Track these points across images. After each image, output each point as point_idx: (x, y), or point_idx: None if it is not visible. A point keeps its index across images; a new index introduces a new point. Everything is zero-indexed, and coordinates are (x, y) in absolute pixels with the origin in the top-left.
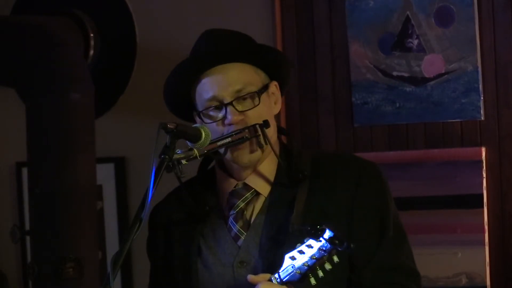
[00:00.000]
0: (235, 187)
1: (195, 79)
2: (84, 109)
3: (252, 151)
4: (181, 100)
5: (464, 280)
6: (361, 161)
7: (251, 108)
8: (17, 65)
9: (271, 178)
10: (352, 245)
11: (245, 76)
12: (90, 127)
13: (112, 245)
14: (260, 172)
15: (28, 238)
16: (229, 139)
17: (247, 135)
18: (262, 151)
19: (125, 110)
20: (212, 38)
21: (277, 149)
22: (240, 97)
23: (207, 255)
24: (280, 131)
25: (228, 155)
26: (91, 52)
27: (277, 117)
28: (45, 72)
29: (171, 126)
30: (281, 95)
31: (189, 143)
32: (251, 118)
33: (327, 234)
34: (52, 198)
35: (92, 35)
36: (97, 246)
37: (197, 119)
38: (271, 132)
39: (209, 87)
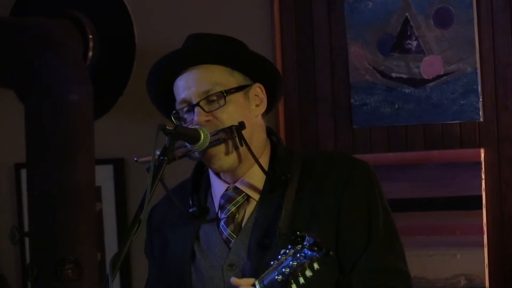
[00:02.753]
0: (226, 190)
1: (172, 81)
2: (83, 110)
3: (227, 153)
4: (164, 99)
5: (463, 282)
6: (351, 160)
7: (218, 109)
8: (16, 66)
9: (262, 181)
10: (331, 252)
11: (215, 77)
12: (89, 128)
13: (111, 246)
14: (251, 175)
15: (27, 239)
16: None
17: (223, 137)
18: (238, 154)
19: (124, 112)
20: (189, 41)
21: (268, 150)
22: (207, 98)
23: (200, 258)
24: (269, 132)
25: (204, 159)
26: (90, 53)
27: (276, 118)
28: (44, 73)
29: (170, 128)
30: (275, 97)
31: (188, 145)
32: (220, 119)
33: (307, 240)
34: (51, 199)
35: (91, 36)
36: (96, 248)
37: (173, 119)
38: (249, 133)
39: (181, 89)
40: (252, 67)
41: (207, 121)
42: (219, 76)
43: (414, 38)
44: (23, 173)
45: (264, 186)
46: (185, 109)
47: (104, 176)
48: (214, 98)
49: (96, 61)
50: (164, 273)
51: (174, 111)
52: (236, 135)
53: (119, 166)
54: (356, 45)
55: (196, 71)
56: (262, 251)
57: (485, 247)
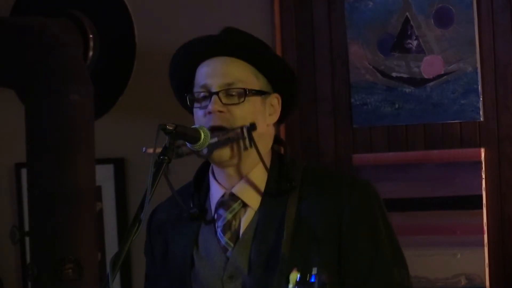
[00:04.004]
0: (222, 196)
1: (198, 63)
2: (83, 110)
3: (232, 153)
4: (184, 79)
5: (463, 281)
6: (352, 180)
7: (235, 104)
8: (16, 66)
9: (261, 188)
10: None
11: (240, 74)
12: (89, 128)
13: (111, 246)
14: (249, 181)
15: (27, 239)
16: (215, 139)
17: (233, 136)
18: (241, 153)
19: (125, 111)
20: (225, 31)
21: (269, 158)
22: (227, 91)
23: (199, 266)
24: (277, 141)
25: (210, 155)
26: (90, 53)
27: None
28: (44, 73)
29: (170, 127)
30: (287, 112)
31: (188, 144)
32: (234, 114)
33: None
34: (51, 199)
35: (91, 36)
36: (96, 247)
37: (188, 101)
38: (256, 137)
39: (205, 74)
40: (278, 76)
41: (221, 112)
42: (244, 73)
43: (415, 38)
44: (24, 172)
45: (264, 194)
46: (202, 94)
47: (104, 175)
48: (234, 93)
49: (96, 61)
50: (165, 276)
51: (190, 94)
52: (246, 136)
53: (120, 166)
54: (356, 44)
55: (224, 62)
56: (265, 271)
57: (485, 247)
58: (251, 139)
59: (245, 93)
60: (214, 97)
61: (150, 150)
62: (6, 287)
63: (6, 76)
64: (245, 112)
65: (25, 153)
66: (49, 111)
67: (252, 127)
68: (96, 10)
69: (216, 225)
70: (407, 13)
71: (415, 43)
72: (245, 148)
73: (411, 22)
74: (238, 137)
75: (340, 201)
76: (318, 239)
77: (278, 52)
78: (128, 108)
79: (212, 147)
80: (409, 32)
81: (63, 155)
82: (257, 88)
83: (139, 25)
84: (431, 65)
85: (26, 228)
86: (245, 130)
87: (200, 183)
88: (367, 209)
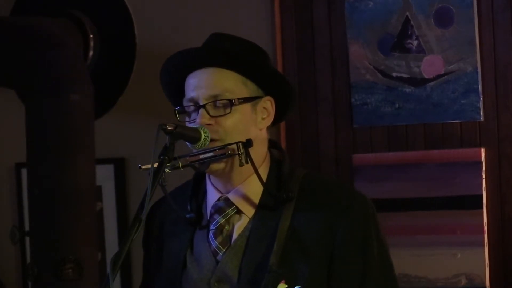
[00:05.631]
0: (218, 200)
1: (185, 76)
2: (84, 110)
3: (226, 166)
4: (176, 89)
5: (463, 281)
6: (349, 194)
7: (221, 116)
8: (17, 66)
9: (256, 197)
10: None
11: (227, 84)
12: (89, 128)
13: (111, 246)
14: (245, 188)
15: (27, 239)
16: (211, 154)
17: (229, 152)
18: (235, 166)
19: (125, 111)
20: (211, 39)
21: (266, 163)
22: (214, 103)
23: (190, 269)
24: (273, 145)
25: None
26: (91, 53)
27: None
28: (44, 73)
29: (170, 127)
30: (284, 113)
31: (188, 144)
32: (223, 125)
33: None
34: (51, 199)
35: (91, 36)
36: (96, 247)
37: (177, 115)
38: (254, 150)
39: (191, 88)
40: (266, 81)
41: (209, 124)
42: (231, 83)
43: (415, 38)
44: (24, 172)
45: (260, 203)
46: (191, 108)
47: (104, 175)
48: (221, 104)
49: (96, 60)
50: (157, 274)
51: (178, 107)
52: (242, 151)
53: (120, 166)
54: (356, 44)
55: (210, 73)
56: (254, 283)
57: (485, 247)
58: (247, 156)
59: (231, 104)
60: (201, 111)
61: (146, 166)
62: (6, 287)
63: (6, 76)
64: (234, 122)
65: (25, 153)
66: (49, 111)
67: (248, 143)
68: (96, 10)
69: (209, 228)
70: (407, 13)
71: (415, 43)
72: (241, 164)
73: (411, 22)
74: (234, 152)
75: (335, 217)
76: (309, 253)
77: (278, 52)
78: (128, 108)
79: (208, 162)
80: (409, 32)
81: (63, 155)
82: (245, 95)
83: (139, 25)
84: (431, 65)
85: (26, 228)
86: (241, 146)
87: (198, 186)
88: (361, 226)
